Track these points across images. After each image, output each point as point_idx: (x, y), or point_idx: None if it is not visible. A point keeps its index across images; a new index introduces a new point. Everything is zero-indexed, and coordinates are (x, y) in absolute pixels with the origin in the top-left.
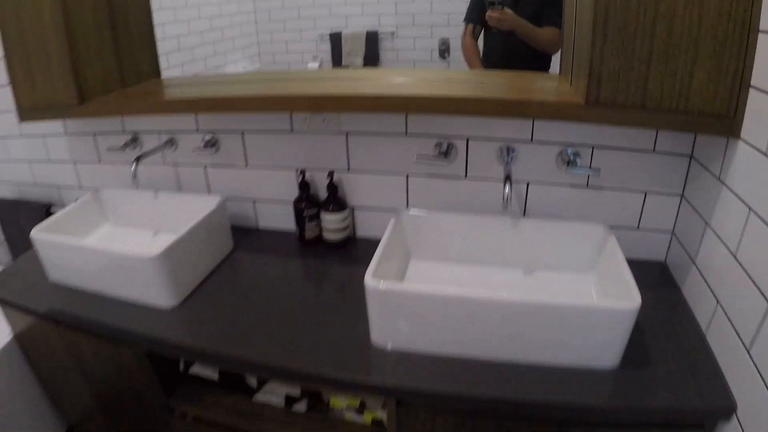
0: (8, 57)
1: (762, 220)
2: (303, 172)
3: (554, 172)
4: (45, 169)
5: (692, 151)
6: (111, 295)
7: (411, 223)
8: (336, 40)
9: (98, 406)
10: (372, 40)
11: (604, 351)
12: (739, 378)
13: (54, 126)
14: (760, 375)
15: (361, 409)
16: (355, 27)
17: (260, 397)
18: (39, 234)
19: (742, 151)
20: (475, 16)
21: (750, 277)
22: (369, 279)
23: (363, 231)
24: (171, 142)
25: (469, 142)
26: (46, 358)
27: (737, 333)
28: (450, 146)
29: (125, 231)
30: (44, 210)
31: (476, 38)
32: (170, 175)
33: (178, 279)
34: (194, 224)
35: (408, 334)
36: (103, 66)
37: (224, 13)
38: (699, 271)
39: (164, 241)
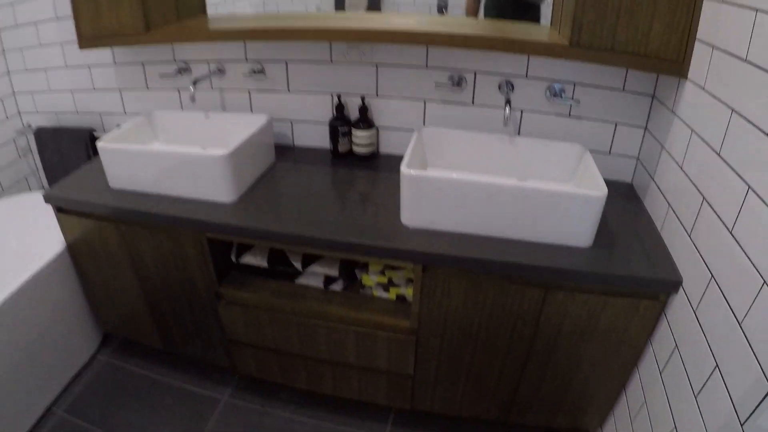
0: None
1: (700, 137)
2: (339, 96)
3: (543, 102)
4: (88, 97)
5: (654, 91)
6: (174, 195)
7: (429, 136)
8: None
9: (146, 301)
10: None
11: (580, 231)
12: (684, 259)
13: (102, 57)
14: (699, 253)
15: (388, 286)
16: None
17: (302, 280)
18: (106, 144)
19: (688, 89)
20: None
21: (691, 181)
22: (404, 168)
23: (385, 148)
24: (220, 71)
25: (477, 75)
26: (98, 261)
27: (682, 224)
28: (461, 78)
29: (176, 147)
30: (88, 135)
31: None
32: (216, 99)
33: (238, 177)
34: (251, 133)
35: (431, 214)
36: None
37: None
38: (656, 185)
39: (229, 144)
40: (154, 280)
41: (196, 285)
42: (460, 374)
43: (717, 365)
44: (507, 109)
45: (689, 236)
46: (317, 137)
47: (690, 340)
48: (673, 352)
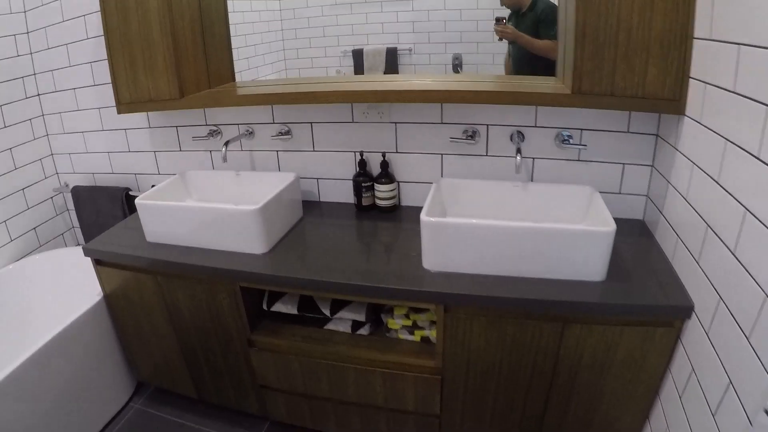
0: (112, 59)
1: (700, 168)
2: (362, 153)
3: (553, 149)
4: (124, 158)
5: (657, 130)
6: (207, 248)
7: (446, 186)
8: (358, 56)
9: (180, 349)
10: (391, 56)
11: (592, 266)
12: (694, 285)
13: (137, 120)
14: (707, 277)
15: (413, 329)
16: (375, 44)
17: (330, 326)
18: (143, 200)
19: (686, 124)
20: None
21: (695, 210)
22: (423, 216)
23: (406, 201)
24: (249, 132)
25: (489, 128)
26: (134, 311)
27: (690, 253)
28: (474, 132)
29: (210, 203)
30: (123, 194)
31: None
32: (246, 159)
33: (269, 230)
34: (279, 190)
35: (451, 257)
36: (197, 68)
37: (256, 31)
38: (665, 218)
39: (259, 200)
40: (188, 329)
41: (229, 333)
42: (485, 412)
43: (731, 381)
44: (518, 157)
45: (697, 263)
46: (342, 192)
47: (705, 361)
48: (690, 376)
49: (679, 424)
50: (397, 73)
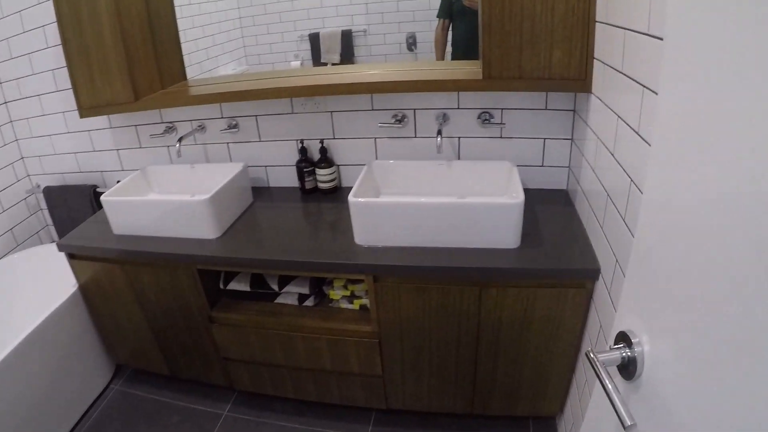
0: (71, 67)
1: (602, 142)
2: (302, 141)
3: (477, 128)
4: (89, 157)
5: (574, 106)
6: (168, 236)
7: (378, 168)
8: (315, 39)
9: (151, 331)
10: (347, 38)
11: (506, 235)
12: (601, 250)
13: (99, 122)
14: (608, 243)
15: (352, 298)
16: (331, 27)
17: (280, 300)
18: (108, 197)
19: (593, 101)
20: (445, 13)
21: (600, 182)
22: (351, 197)
23: (347, 182)
24: (201, 128)
25: (416, 112)
26: (107, 299)
27: (597, 220)
28: (403, 116)
29: (167, 196)
30: (91, 191)
31: (446, 30)
32: (200, 152)
33: (220, 216)
34: (229, 179)
35: (378, 233)
36: (149, 70)
37: (213, 21)
38: (581, 188)
39: (211, 190)
40: (156, 312)
41: (192, 311)
42: (422, 370)
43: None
44: (439, 138)
45: (602, 228)
46: (287, 178)
47: (608, 318)
48: (599, 332)
49: (593, 376)
50: (353, 54)
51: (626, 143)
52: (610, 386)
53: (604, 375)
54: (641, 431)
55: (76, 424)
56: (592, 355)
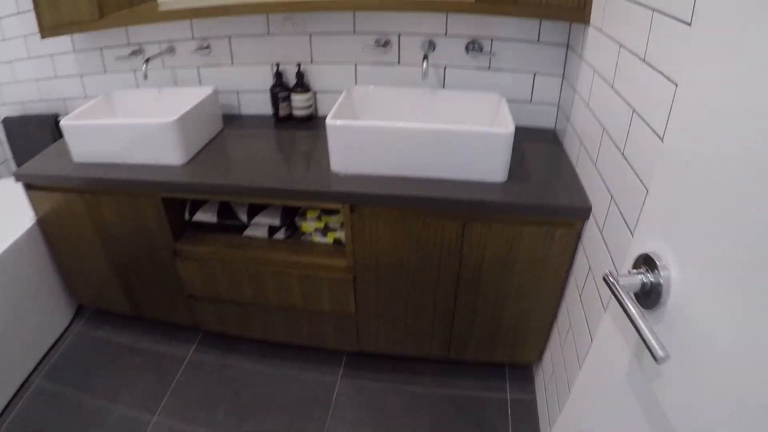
0: None
1: (600, 75)
2: (278, 65)
3: (464, 58)
4: (51, 85)
5: (567, 41)
6: (131, 163)
7: (358, 93)
8: None
9: (113, 268)
10: None
11: (493, 167)
12: (593, 188)
13: (62, 45)
14: (602, 179)
15: (325, 231)
16: None
17: (249, 232)
18: (68, 121)
19: (590, 33)
20: None
21: (595, 116)
22: (329, 119)
23: (323, 110)
24: (171, 50)
25: (401, 36)
26: (67, 234)
27: (590, 157)
28: (387, 41)
29: (133, 119)
30: (53, 120)
31: None
32: (168, 76)
33: (187, 141)
34: (198, 102)
35: (357, 160)
36: None
37: None
38: (572, 126)
39: (176, 115)
40: (118, 246)
41: (155, 245)
42: (398, 310)
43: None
44: (425, 63)
45: (595, 166)
46: (260, 105)
47: (599, 259)
48: (588, 274)
49: (578, 322)
50: None
51: (629, 74)
52: (635, 312)
53: (626, 300)
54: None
55: (35, 368)
56: (611, 279)
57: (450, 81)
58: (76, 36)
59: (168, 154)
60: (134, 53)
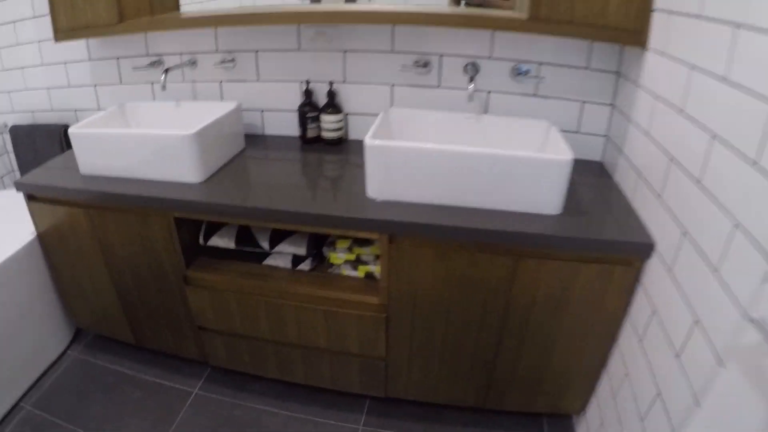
0: None
1: (663, 100)
2: (308, 82)
3: (509, 83)
4: (63, 94)
5: (619, 67)
6: (142, 178)
7: (396, 116)
8: None
9: (116, 291)
10: None
11: (548, 198)
12: (656, 223)
13: (77, 53)
14: (671, 212)
15: (356, 264)
16: None
17: (270, 261)
18: (77, 129)
19: (649, 58)
20: None
21: (658, 145)
22: (368, 139)
23: (354, 134)
24: (192, 62)
25: (442, 58)
26: (68, 251)
27: (652, 189)
28: (427, 62)
29: (144, 129)
30: (62, 131)
31: None
32: (188, 90)
33: (206, 158)
34: (219, 116)
35: (397, 185)
36: None
37: None
38: (626, 157)
39: (196, 126)
40: (123, 268)
41: (164, 270)
42: (433, 355)
43: (697, 320)
44: (471, 85)
45: (660, 198)
46: (286, 125)
47: (667, 300)
48: (651, 318)
49: (638, 367)
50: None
51: (703, 94)
52: None
53: None
54: None
55: (24, 394)
56: None
57: (494, 107)
58: (93, 43)
59: (184, 170)
60: (153, 64)
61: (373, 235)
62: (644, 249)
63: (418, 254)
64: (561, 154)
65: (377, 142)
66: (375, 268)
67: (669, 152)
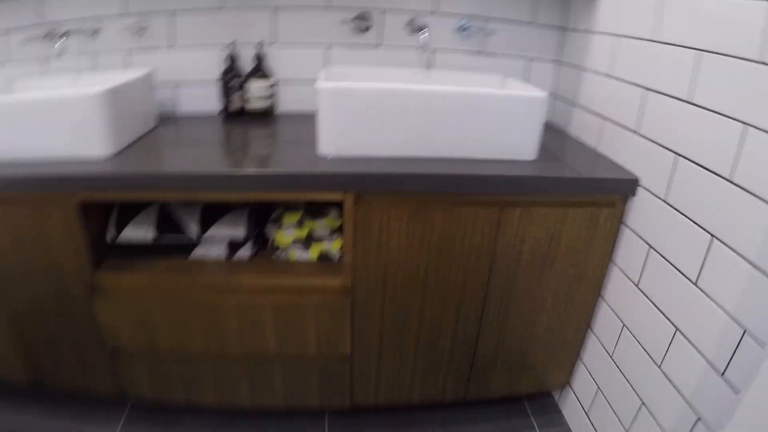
0: None
1: (627, 37)
2: (232, 46)
3: (454, 40)
4: None
5: (565, 22)
6: (36, 159)
7: (338, 73)
8: None
9: (6, 317)
10: None
11: (524, 141)
12: (635, 157)
13: None
14: (655, 143)
15: (308, 242)
16: None
17: (200, 251)
18: None
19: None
20: None
21: (627, 81)
22: (321, 83)
23: (285, 106)
24: (94, 31)
25: (385, 12)
26: None
27: (627, 126)
28: (366, 18)
29: (41, 92)
30: None
31: None
32: (88, 64)
33: (116, 124)
34: (131, 78)
35: (355, 137)
36: None
37: None
38: (583, 107)
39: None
40: (12, 284)
41: (64, 277)
42: (408, 344)
43: (713, 235)
44: (424, 35)
45: (636, 133)
46: (204, 101)
47: (667, 232)
48: (648, 253)
49: (640, 318)
50: None
51: (680, 15)
52: None
53: None
54: None
55: None
56: None
57: (439, 65)
58: None
59: (90, 141)
60: (47, 36)
61: (336, 195)
62: (630, 185)
63: (391, 215)
64: (531, 92)
65: (332, 84)
66: (331, 246)
67: (642, 84)
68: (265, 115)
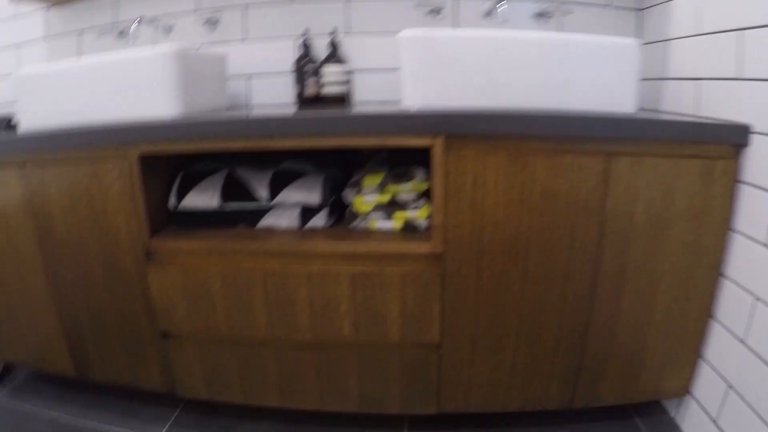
0: None
1: None
2: (307, 32)
3: (530, 24)
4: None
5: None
6: (101, 120)
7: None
8: None
9: (53, 300)
10: None
11: (623, 90)
12: (742, 106)
13: (33, 31)
14: (763, 80)
15: (392, 209)
16: None
17: (269, 220)
18: (24, 72)
19: None
20: None
21: (714, 32)
22: (405, 32)
23: (360, 95)
24: (167, 28)
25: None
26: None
27: (724, 78)
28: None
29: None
30: (4, 123)
31: None
32: None
33: (185, 86)
34: (205, 57)
35: (443, 88)
36: None
37: None
38: (672, 77)
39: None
40: (62, 253)
41: (119, 244)
42: (507, 331)
43: None
44: (502, 5)
45: (738, 79)
46: (278, 92)
47: None
48: None
49: None
50: None
51: None
52: None
53: None
54: None
55: None
56: None
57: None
58: (53, 17)
59: (159, 102)
60: (120, 36)
61: (423, 140)
62: (741, 132)
63: (487, 164)
64: (624, 39)
65: (419, 32)
66: (416, 214)
67: (736, 27)
68: (341, 101)
